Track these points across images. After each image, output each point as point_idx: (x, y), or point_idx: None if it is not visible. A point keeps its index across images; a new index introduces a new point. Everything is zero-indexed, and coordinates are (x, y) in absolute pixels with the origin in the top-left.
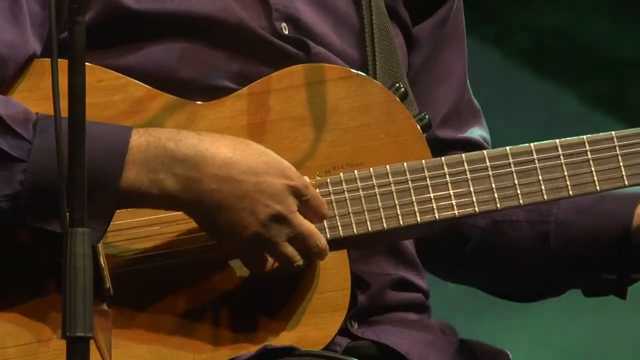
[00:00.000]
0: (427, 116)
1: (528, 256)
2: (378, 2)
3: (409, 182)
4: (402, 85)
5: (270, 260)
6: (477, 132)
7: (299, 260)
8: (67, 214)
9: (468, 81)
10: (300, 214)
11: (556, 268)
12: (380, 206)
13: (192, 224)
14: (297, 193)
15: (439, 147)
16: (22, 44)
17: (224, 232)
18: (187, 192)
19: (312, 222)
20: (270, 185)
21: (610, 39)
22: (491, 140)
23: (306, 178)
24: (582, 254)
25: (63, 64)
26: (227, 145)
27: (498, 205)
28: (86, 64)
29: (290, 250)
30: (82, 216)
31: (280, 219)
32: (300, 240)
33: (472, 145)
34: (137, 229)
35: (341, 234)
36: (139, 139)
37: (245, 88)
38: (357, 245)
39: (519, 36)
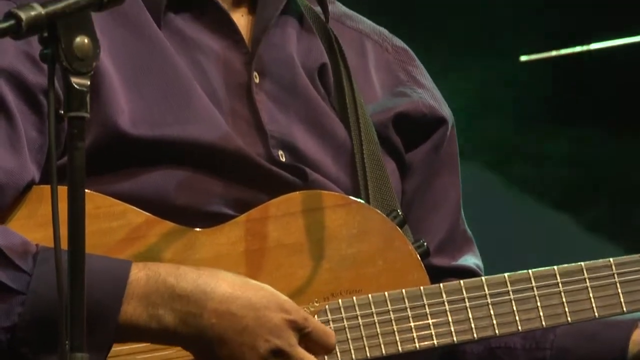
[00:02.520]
0: (425, 243)
1: None
2: (369, 130)
3: (408, 309)
4: (400, 213)
5: None
6: (471, 261)
7: None
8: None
9: (462, 209)
10: (305, 346)
11: None
12: (379, 333)
13: None
14: (297, 327)
15: (434, 274)
16: (20, 171)
17: None
18: (187, 327)
19: (318, 353)
20: (270, 319)
21: (610, 165)
22: (491, 266)
23: (305, 311)
24: None
25: (62, 190)
26: (226, 280)
27: (497, 332)
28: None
29: None
30: (81, 343)
31: (280, 353)
32: None
33: (467, 273)
34: (135, 355)
35: None
36: (138, 273)
37: (243, 215)
38: None
39: (520, 163)
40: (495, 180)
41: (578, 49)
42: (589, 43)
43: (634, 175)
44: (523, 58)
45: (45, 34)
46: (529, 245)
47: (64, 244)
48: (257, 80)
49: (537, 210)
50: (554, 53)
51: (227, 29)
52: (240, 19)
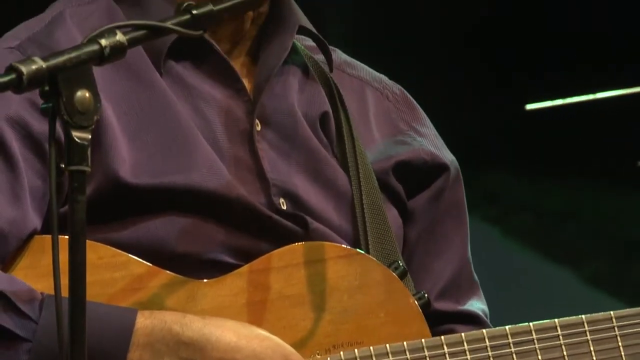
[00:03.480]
0: (426, 295)
1: None
2: (369, 179)
3: None
4: (401, 264)
5: None
6: (477, 305)
7: None
8: None
9: (469, 252)
10: None
11: None
12: None
13: None
14: None
15: (438, 319)
16: (23, 220)
17: None
18: None
19: None
20: None
21: (611, 219)
22: (491, 319)
23: None
24: None
25: (63, 240)
26: (232, 330)
27: None
28: (87, 240)
29: None
30: None
31: None
32: None
33: (472, 318)
34: None
35: None
36: (144, 321)
37: (245, 266)
38: None
39: (520, 216)
40: (495, 233)
41: (584, 97)
42: (594, 92)
43: (634, 230)
44: (529, 107)
45: (47, 88)
46: (529, 299)
47: (66, 295)
48: (258, 129)
49: (537, 263)
50: (559, 102)
51: (229, 78)
52: (242, 67)
